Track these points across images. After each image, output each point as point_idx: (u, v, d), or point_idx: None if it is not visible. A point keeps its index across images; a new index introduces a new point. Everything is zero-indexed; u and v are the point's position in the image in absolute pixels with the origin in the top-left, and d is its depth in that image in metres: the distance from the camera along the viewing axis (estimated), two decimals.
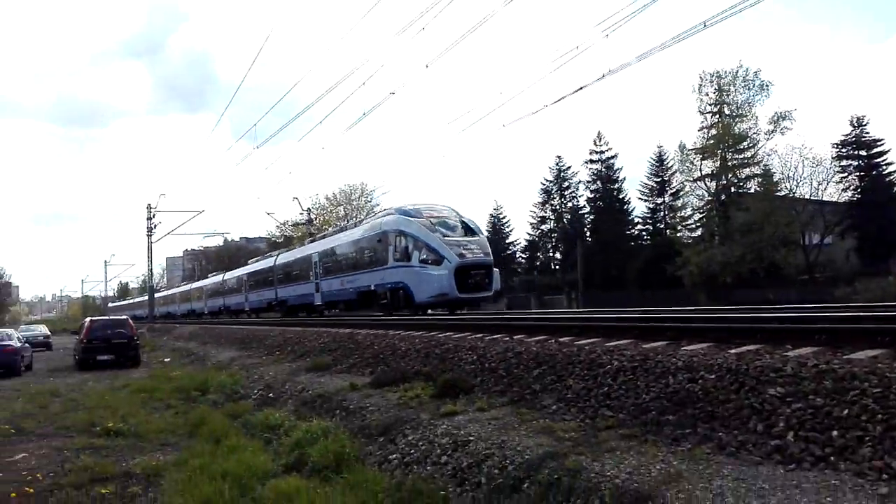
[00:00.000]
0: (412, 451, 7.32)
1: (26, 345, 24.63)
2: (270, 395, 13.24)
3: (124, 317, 29.38)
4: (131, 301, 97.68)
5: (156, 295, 70.23)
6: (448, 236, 20.84)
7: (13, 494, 6.80)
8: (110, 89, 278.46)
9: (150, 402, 13.58)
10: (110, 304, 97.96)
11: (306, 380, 13.23)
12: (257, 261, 43.40)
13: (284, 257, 35.60)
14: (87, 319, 26.23)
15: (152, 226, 61.96)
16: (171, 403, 13.26)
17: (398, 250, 21.50)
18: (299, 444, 8.29)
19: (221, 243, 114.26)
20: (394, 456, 7.45)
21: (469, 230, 22.17)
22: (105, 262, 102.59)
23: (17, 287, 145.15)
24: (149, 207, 61.47)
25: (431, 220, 21.44)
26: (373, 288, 23.32)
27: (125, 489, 6.98)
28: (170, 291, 76.57)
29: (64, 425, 10.94)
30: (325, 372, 13.81)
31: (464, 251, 20.43)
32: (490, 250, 22.02)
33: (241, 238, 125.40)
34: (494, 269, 21.51)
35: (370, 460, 7.58)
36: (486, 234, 22.08)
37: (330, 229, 40.25)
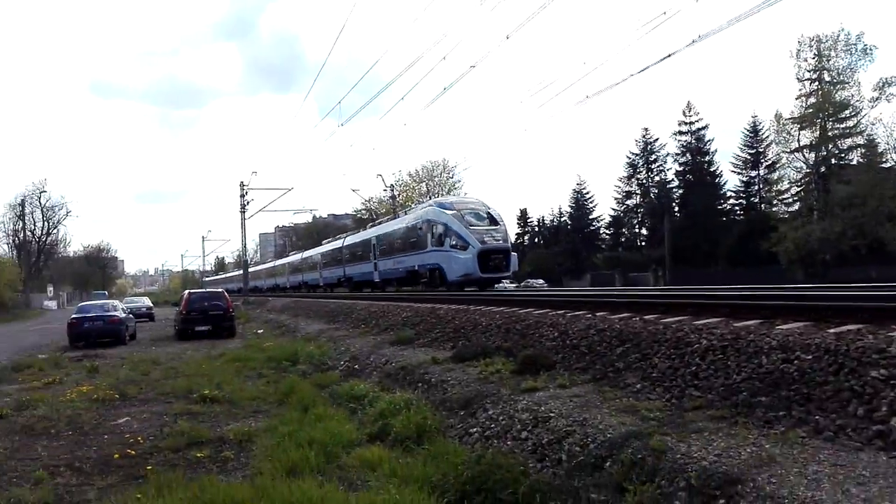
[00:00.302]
0: (492, 426, 7.34)
1: (130, 316, 26.15)
2: (356, 366, 13.57)
3: (220, 290, 30.71)
4: (224, 275, 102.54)
5: (254, 268, 74.76)
6: (474, 225, 23.92)
7: (116, 455, 7.26)
8: (204, 71, 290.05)
9: (243, 370, 14.17)
10: (206, 279, 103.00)
11: (390, 352, 13.48)
12: (329, 242, 48.11)
13: (350, 240, 40.05)
14: (186, 292, 27.59)
15: (245, 203, 64.36)
16: (263, 373, 13.79)
17: (434, 237, 25.27)
18: (383, 415, 8.46)
19: (310, 220, 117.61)
20: (474, 430, 7.49)
21: (493, 220, 25.09)
22: (202, 237, 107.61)
23: (123, 261, 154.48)
24: (241, 185, 63.78)
25: (462, 211, 24.72)
26: (416, 268, 27.28)
27: (218, 453, 7.33)
28: (257, 268, 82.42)
29: (164, 392, 11.59)
30: (407, 345, 14.02)
31: (486, 238, 23.57)
32: (509, 237, 26.05)
33: (328, 215, 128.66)
34: (512, 253, 24.83)
35: (451, 433, 7.65)
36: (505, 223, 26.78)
37: (385, 217, 46.09)
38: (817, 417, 5.32)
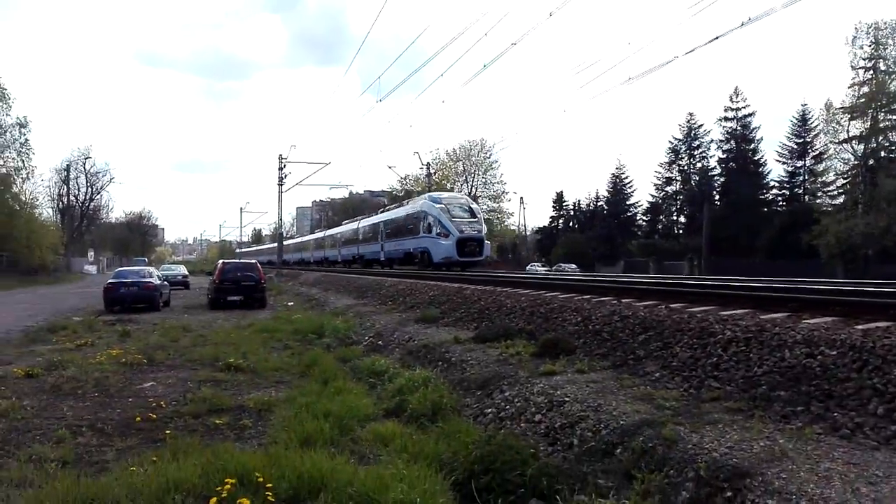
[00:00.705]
0: (507, 407, 7.33)
1: (165, 283, 26.68)
2: (379, 342, 13.67)
3: (254, 261, 31.12)
4: (256, 248, 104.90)
5: (289, 242, 78.60)
6: (456, 218, 29.53)
7: (138, 418, 7.42)
8: (249, 43, 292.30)
9: (270, 341, 14.36)
10: (238, 250, 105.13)
11: (414, 330, 13.54)
12: (347, 223, 54.03)
13: (363, 223, 45.56)
14: (220, 262, 27.99)
15: (283, 176, 65.01)
16: (289, 344, 13.96)
17: (425, 226, 30.75)
18: (401, 391, 8.50)
19: (346, 195, 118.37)
20: (489, 410, 7.49)
21: (472, 213, 30.90)
22: (241, 209, 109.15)
23: (163, 229, 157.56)
24: (280, 158, 64.41)
25: (449, 206, 30.22)
26: (411, 251, 33.02)
27: (237, 421, 7.44)
28: (287, 242, 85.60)
29: (191, 358, 11.80)
30: (431, 324, 14.07)
31: (465, 228, 29.22)
32: (483, 227, 30.88)
33: (364, 191, 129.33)
34: (486, 241, 30.71)
35: (466, 412, 7.67)
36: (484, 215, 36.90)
37: (392, 205, 52.16)
38: (835, 414, 5.20)
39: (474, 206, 32.76)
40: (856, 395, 5.30)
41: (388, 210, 43.12)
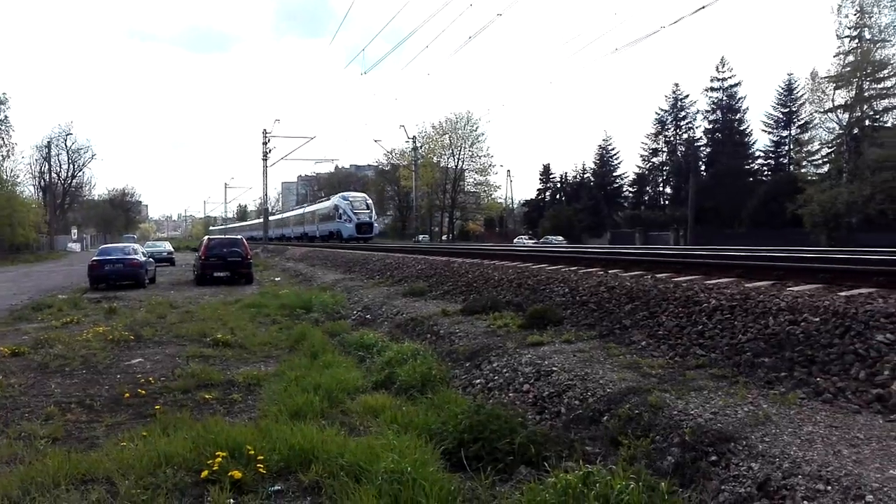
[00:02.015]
0: (495, 378, 7.39)
1: (150, 259, 26.48)
2: (368, 316, 13.69)
3: (239, 237, 30.97)
4: (233, 225, 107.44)
5: (248, 222, 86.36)
6: (357, 210, 48.21)
7: (127, 395, 7.41)
8: (231, 14, 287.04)
9: (257, 317, 14.34)
10: (211, 227, 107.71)
11: (402, 304, 13.56)
12: (297, 209, 75.24)
13: (308, 210, 65.09)
14: (205, 238, 27.82)
15: (267, 151, 64.52)
16: (277, 319, 13.94)
17: (338, 215, 48.99)
18: (389, 364, 8.53)
19: (332, 170, 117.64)
20: (478, 381, 7.55)
21: (368, 206, 49.79)
22: (225, 184, 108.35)
23: (146, 206, 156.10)
24: (264, 133, 63.87)
25: (353, 202, 49.27)
26: (330, 231, 50.74)
27: (227, 396, 7.45)
28: (253, 221, 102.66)
29: (178, 334, 11.78)
30: (419, 297, 14.10)
31: (361, 216, 47.62)
32: (374, 215, 50.50)
33: (350, 165, 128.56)
34: (375, 224, 49.30)
35: (455, 383, 7.72)
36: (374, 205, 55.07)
37: (323, 198, 69.98)
38: (818, 379, 5.29)
39: (369, 201, 52.40)
40: (838, 361, 5.39)
41: (319, 202, 63.69)
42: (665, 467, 4.50)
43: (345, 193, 53.84)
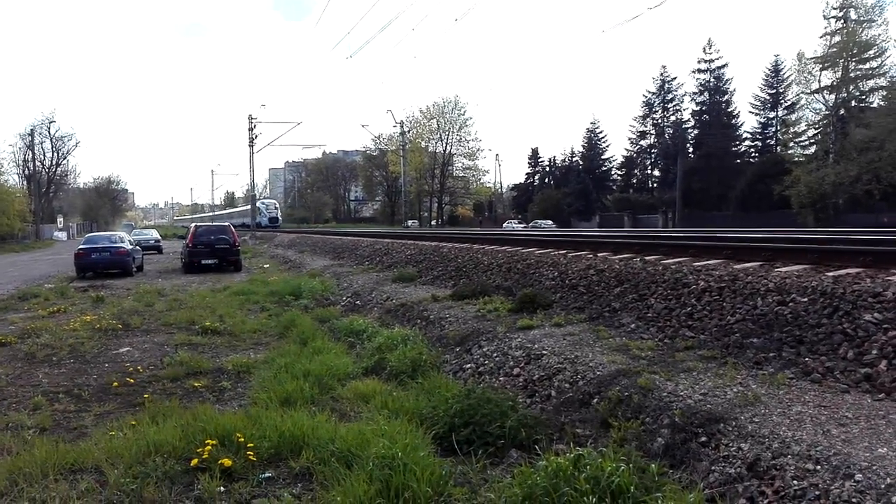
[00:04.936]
0: (486, 362, 7.39)
1: (137, 248, 26.27)
2: (357, 302, 13.66)
3: (227, 224, 30.75)
4: (208, 214, 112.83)
5: (225, 211, 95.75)
6: (269, 209, 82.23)
7: (115, 384, 7.35)
8: None
9: (246, 304, 14.26)
10: (176, 217, 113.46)
11: (391, 289, 13.54)
12: (239, 208, 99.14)
13: (243, 209, 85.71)
14: (193, 225, 27.60)
15: (253, 136, 64.06)
16: (266, 306, 13.88)
17: (258, 214, 73.71)
18: (380, 350, 8.51)
19: (320, 155, 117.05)
20: (468, 365, 7.55)
21: (275, 208, 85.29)
22: (211, 171, 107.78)
23: (133, 194, 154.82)
24: (250, 118, 63.38)
25: (267, 205, 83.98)
26: (259, 220, 72.79)
27: (216, 383, 7.41)
28: (204, 214, 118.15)
29: (167, 322, 11.71)
30: (409, 283, 14.07)
31: (271, 213, 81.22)
32: (279, 213, 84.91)
33: (338, 151, 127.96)
34: (279, 217, 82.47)
35: (445, 368, 7.72)
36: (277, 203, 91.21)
37: (243, 204, 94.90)
38: (807, 359, 5.31)
39: (277, 205, 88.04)
40: (826, 341, 5.42)
41: (243, 207, 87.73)
42: (655, 449, 4.52)
43: (264, 200, 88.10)
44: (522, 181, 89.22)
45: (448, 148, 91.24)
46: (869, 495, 3.26)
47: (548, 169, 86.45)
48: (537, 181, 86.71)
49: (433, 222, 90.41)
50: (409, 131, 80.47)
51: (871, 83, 47.96)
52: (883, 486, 3.27)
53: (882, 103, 45.87)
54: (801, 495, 3.49)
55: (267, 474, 4.64)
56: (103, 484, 4.42)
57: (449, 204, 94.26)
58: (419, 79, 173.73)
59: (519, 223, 68.32)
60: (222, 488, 4.38)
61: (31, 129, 69.94)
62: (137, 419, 5.79)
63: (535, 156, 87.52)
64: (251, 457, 4.77)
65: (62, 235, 70.29)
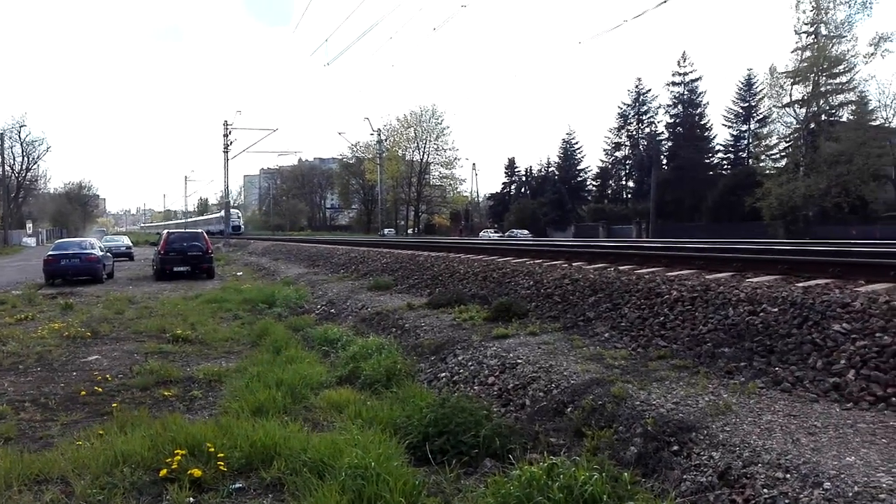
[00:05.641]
0: (461, 371, 7.38)
1: (108, 254, 25.86)
2: (332, 310, 13.57)
3: (200, 230, 30.41)
4: (168, 222, 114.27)
5: (196, 218, 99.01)
6: (233, 218, 76.31)
7: (83, 392, 7.21)
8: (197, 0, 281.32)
9: (219, 312, 14.09)
10: (142, 223, 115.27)
11: (367, 298, 13.47)
12: (206, 216, 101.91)
13: (211, 216, 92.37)
14: (165, 232, 27.28)
15: (228, 143, 63.51)
16: (239, 314, 13.73)
17: (222, 221, 71.93)
18: (354, 359, 8.44)
19: (295, 163, 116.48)
20: (443, 374, 7.53)
21: (239, 217, 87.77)
22: (185, 177, 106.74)
23: (104, 199, 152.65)
24: (225, 124, 62.85)
25: (232, 214, 76.08)
26: (220, 229, 69.26)
27: (187, 393, 7.30)
28: (172, 221, 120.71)
29: (137, 331, 11.52)
30: (385, 291, 14.02)
31: (235, 222, 78.80)
32: (242, 219, 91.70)
33: (314, 158, 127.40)
34: (241, 225, 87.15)
35: (420, 377, 7.69)
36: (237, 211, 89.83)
37: (216, 212, 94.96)
38: (777, 369, 5.38)
39: (240, 213, 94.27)
40: (796, 350, 5.49)
41: (217, 214, 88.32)
42: (628, 457, 4.54)
43: (230, 209, 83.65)
44: (499, 191, 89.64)
45: (425, 156, 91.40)
46: (837, 503, 3.30)
47: (524, 179, 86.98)
48: (513, 191, 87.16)
49: (409, 231, 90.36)
50: (386, 139, 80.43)
51: (840, 97, 49.06)
52: (850, 493, 3.31)
53: (851, 117, 46.97)
54: (772, 503, 3.52)
55: (237, 485, 4.58)
56: (69, 495, 4.32)
57: (426, 212, 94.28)
58: (397, 87, 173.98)
59: (495, 232, 68.54)
60: (192, 499, 4.31)
61: (1, 133, 68.44)
62: (105, 428, 5.68)
63: (511, 166, 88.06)
64: (222, 467, 4.70)
65: (31, 241, 68.93)
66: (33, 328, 11.48)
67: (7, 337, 10.41)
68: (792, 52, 49.86)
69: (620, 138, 73.23)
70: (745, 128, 63.45)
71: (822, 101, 48.97)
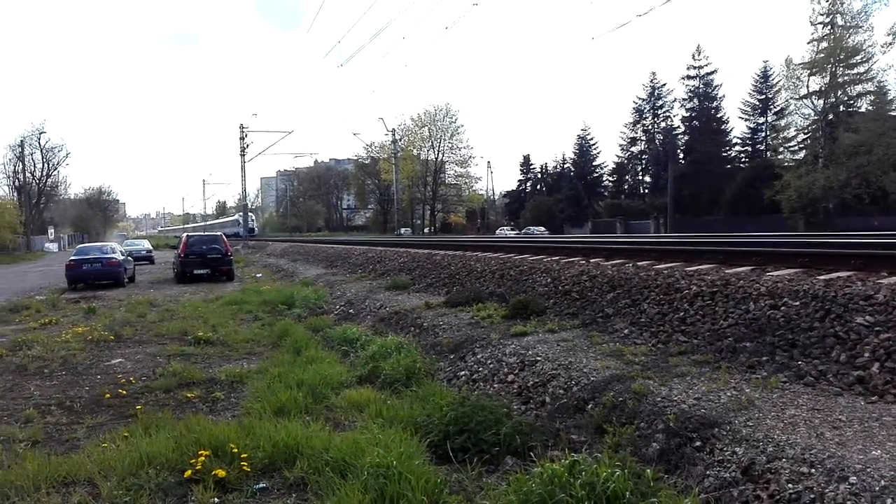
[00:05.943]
0: (480, 369, 7.39)
1: (129, 258, 26.13)
2: (351, 310, 13.63)
3: (219, 233, 30.63)
4: (186, 226, 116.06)
5: (210, 222, 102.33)
6: (246, 221, 69.60)
7: (107, 395, 7.31)
8: (207, 6, 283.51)
9: (239, 314, 14.21)
10: (159, 228, 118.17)
11: (385, 297, 13.52)
12: (221, 219, 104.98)
13: (229, 219, 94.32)
14: (184, 235, 27.51)
15: (245, 146, 63.91)
16: (259, 316, 13.83)
17: (238, 224, 75.39)
18: (373, 358, 8.48)
19: (312, 164, 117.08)
20: (462, 373, 7.54)
21: (252, 220, 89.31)
22: (203, 181, 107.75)
23: (124, 204, 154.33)
24: (241, 128, 63.23)
25: (242, 217, 71.40)
26: (235, 231, 71.16)
27: (209, 394, 7.37)
28: (186, 225, 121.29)
29: (159, 333, 11.64)
30: (402, 290, 14.06)
31: (250, 224, 77.46)
32: (255, 224, 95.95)
33: (330, 159, 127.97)
34: (255, 227, 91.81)
35: (440, 376, 7.71)
36: (240, 214, 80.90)
37: (233, 215, 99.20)
38: (800, 363, 5.33)
39: (253, 217, 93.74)
40: (819, 344, 5.44)
41: (232, 217, 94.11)
42: (650, 454, 4.52)
43: (240, 214, 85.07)
44: (514, 188, 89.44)
45: (440, 155, 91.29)
46: (864, 497, 3.27)
47: (539, 176, 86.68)
48: (529, 188, 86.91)
49: (426, 230, 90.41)
50: (400, 139, 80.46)
51: (858, 88, 48.29)
52: (877, 488, 3.28)
53: (870, 108, 46.23)
54: (797, 499, 3.50)
55: (261, 485, 4.62)
56: (96, 496, 4.38)
57: (441, 211, 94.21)
58: (410, 87, 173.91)
59: (511, 230, 68.41)
60: (216, 499, 4.35)
61: (21, 140, 69.54)
62: (130, 431, 5.75)
63: (526, 163, 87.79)
64: (245, 467, 4.74)
65: (53, 247, 69.87)
66: (57, 332, 11.63)
67: (32, 341, 10.55)
68: (808, 43, 49.21)
69: (636, 133, 72.77)
70: (762, 120, 62.77)
71: (839, 92, 48.26)
